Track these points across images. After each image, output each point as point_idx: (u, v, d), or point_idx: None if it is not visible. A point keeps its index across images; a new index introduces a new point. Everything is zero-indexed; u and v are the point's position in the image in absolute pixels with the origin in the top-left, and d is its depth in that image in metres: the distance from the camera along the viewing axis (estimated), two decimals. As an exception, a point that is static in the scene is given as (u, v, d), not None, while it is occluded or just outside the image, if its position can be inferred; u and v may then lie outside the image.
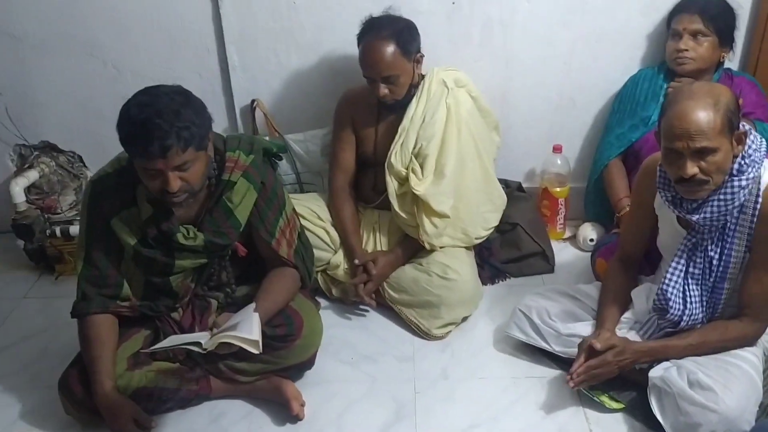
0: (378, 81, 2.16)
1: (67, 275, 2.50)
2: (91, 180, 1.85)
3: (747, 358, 1.75)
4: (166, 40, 2.47)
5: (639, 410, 1.85)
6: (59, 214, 2.56)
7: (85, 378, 1.79)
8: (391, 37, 2.13)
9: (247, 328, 1.63)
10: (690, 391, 1.67)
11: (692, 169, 1.61)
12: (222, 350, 1.68)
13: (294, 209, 2.05)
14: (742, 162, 1.65)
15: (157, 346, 1.73)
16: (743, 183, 1.65)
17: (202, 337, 1.68)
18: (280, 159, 2.12)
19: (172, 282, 1.87)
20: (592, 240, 2.55)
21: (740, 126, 1.64)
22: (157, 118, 1.59)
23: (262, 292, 1.89)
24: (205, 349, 1.65)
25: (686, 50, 2.26)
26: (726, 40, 2.29)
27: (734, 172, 1.65)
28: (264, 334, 1.74)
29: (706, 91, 1.62)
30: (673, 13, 2.34)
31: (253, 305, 1.78)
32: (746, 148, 1.65)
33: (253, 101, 2.54)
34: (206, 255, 1.87)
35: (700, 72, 2.30)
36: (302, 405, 1.89)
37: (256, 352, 1.64)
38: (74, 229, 2.46)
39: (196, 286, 1.94)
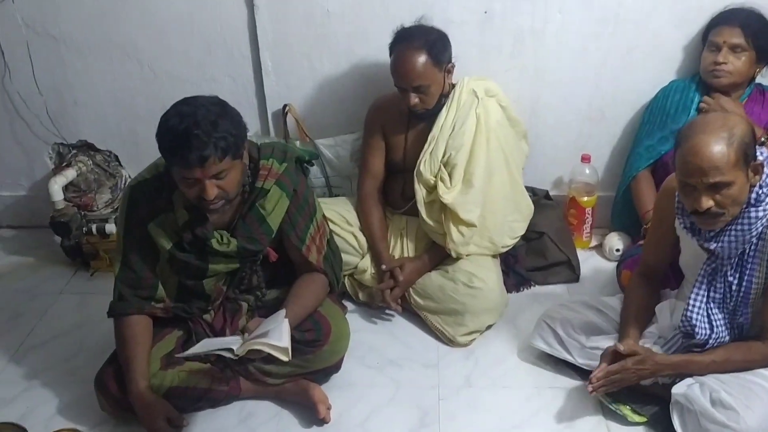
0: (409, 90, 2.18)
1: (102, 271, 2.58)
2: (130, 185, 1.91)
3: (771, 377, 1.76)
4: (201, 43, 2.52)
5: (661, 425, 1.86)
6: (95, 211, 2.64)
7: (120, 376, 1.85)
8: (422, 48, 2.15)
9: (277, 336, 1.67)
10: (712, 410, 1.68)
11: (707, 203, 1.61)
12: (252, 356, 1.72)
13: (324, 215, 2.08)
14: (760, 192, 1.64)
15: (190, 351, 1.78)
16: (760, 213, 1.64)
17: (234, 342, 1.73)
18: (312, 165, 2.16)
19: (205, 285, 1.92)
20: (618, 250, 2.56)
21: (757, 155, 1.63)
22: (195, 129, 1.63)
23: (291, 297, 1.93)
24: (237, 355, 1.69)
25: (724, 63, 2.23)
26: (763, 56, 2.27)
27: (752, 201, 1.64)
28: (293, 339, 1.78)
29: (720, 124, 1.59)
30: (712, 25, 2.30)
31: (283, 311, 1.82)
32: (764, 177, 1.64)
33: (285, 106, 2.58)
34: (239, 260, 1.92)
35: (735, 86, 2.28)
36: (329, 408, 1.94)
37: (285, 359, 1.68)
38: (110, 227, 2.53)
39: (228, 289, 1.99)
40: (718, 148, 1.57)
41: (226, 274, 1.96)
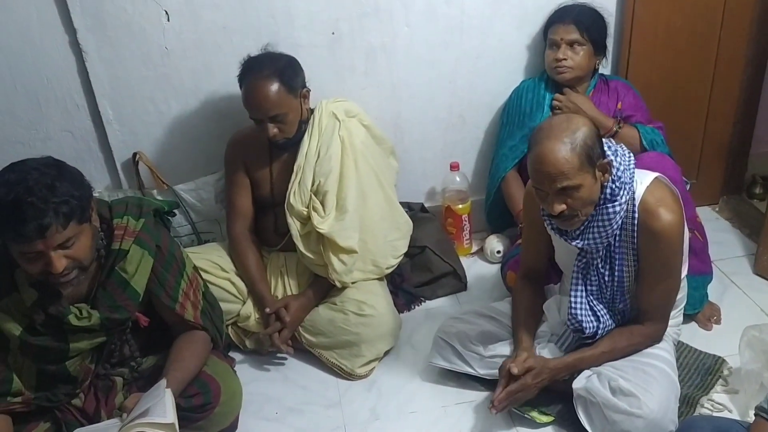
0: (266, 121, 2.09)
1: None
2: (-40, 270, 1.66)
3: (661, 356, 1.81)
4: (28, 100, 2.28)
5: (567, 420, 1.87)
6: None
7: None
8: (273, 76, 2.06)
9: (161, 411, 1.51)
10: (614, 400, 1.70)
11: (559, 207, 1.64)
12: (136, 440, 1.54)
13: (195, 267, 1.94)
14: (613, 186, 1.67)
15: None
16: (617, 208, 1.67)
17: (111, 428, 1.54)
18: (174, 215, 2.01)
19: (69, 367, 1.72)
20: (499, 252, 2.59)
21: (606, 152, 1.67)
22: (29, 197, 1.46)
23: (171, 362, 1.76)
24: (114, 446, 1.51)
25: (565, 59, 2.32)
26: (600, 48, 2.37)
27: (608, 196, 1.67)
28: (179, 407, 1.64)
29: (563, 128, 1.61)
30: (549, 24, 2.39)
31: (163, 381, 1.65)
32: (615, 171, 1.67)
33: (135, 155, 2.39)
34: (104, 333, 1.73)
35: (579, 80, 2.37)
36: (230, 475, 1.79)
37: (173, 436, 1.52)
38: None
39: (97, 366, 1.79)
40: (561, 154, 1.58)
41: (92, 350, 1.76)
